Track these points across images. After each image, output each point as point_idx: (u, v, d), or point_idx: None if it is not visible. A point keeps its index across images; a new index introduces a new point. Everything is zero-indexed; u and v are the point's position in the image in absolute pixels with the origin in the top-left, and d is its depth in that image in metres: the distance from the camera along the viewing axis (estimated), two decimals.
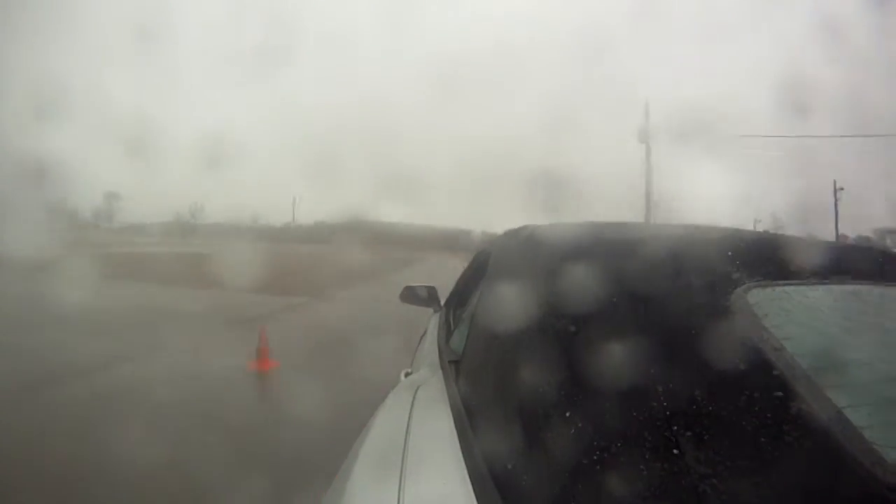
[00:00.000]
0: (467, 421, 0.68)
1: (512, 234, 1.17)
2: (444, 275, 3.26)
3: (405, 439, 0.69)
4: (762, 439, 0.45)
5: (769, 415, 0.46)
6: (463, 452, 0.61)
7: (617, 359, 0.55)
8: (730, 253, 0.69)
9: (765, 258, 0.70)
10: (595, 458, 0.48)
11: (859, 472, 0.41)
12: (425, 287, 2.35)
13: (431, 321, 1.98)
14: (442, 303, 2.07)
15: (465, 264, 1.83)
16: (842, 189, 17.06)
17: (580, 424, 0.52)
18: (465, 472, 0.57)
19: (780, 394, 0.47)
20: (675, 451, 0.46)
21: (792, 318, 0.58)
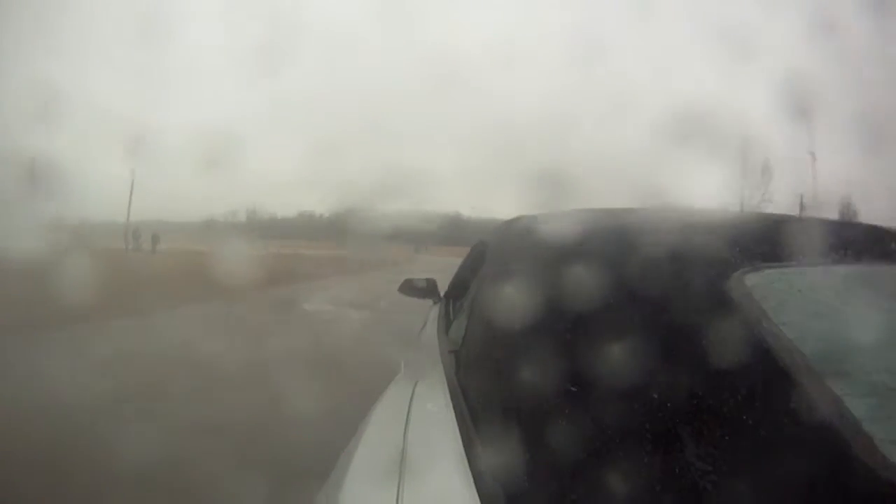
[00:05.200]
0: (467, 412, 0.67)
1: (509, 225, 1.16)
2: None
3: (405, 431, 0.69)
4: (761, 429, 0.44)
5: (768, 404, 0.46)
6: (463, 444, 0.61)
7: (615, 347, 0.54)
8: (727, 236, 0.68)
9: (763, 240, 0.69)
10: (596, 450, 0.48)
11: (859, 466, 0.40)
12: (424, 279, 2.36)
13: (431, 313, 1.98)
14: (442, 295, 2.07)
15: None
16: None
17: (581, 416, 0.52)
18: (466, 464, 0.57)
19: (778, 382, 0.47)
20: (673, 440, 0.45)
21: (792, 302, 0.57)
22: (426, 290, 2.31)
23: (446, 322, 1.47)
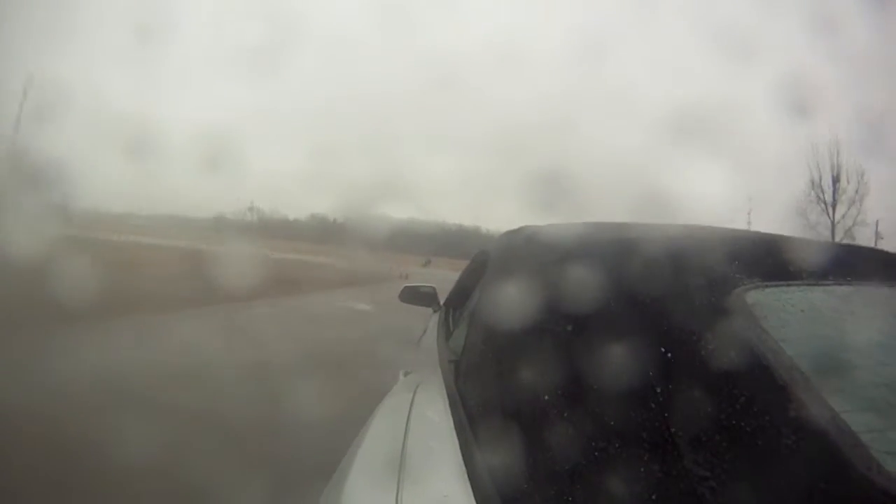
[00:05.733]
0: (466, 421, 0.68)
1: (511, 235, 1.17)
2: None
3: (404, 439, 0.69)
4: (760, 443, 0.44)
5: (767, 418, 0.46)
6: (462, 453, 0.61)
7: (615, 360, 0.55)
8: (729, 253, 0.68)
9: (764, 258, 0.70)
10: (594, 458, 0.48)
11: (857, 478, 0.40)
12: (425, 286, 2.38)
13: (431, 321, 1.99)
14: (441, 302, 2.07)
15: None
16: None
17: (579, 425, 0.52)
18: (465, 472, 0.57)
19: (778, 397, 0.47)
20: (672, 453, 0.45)
21: (791, 320, 0.58)
22: (426, 297, 2.33)
23: (446, 331, 1.48)
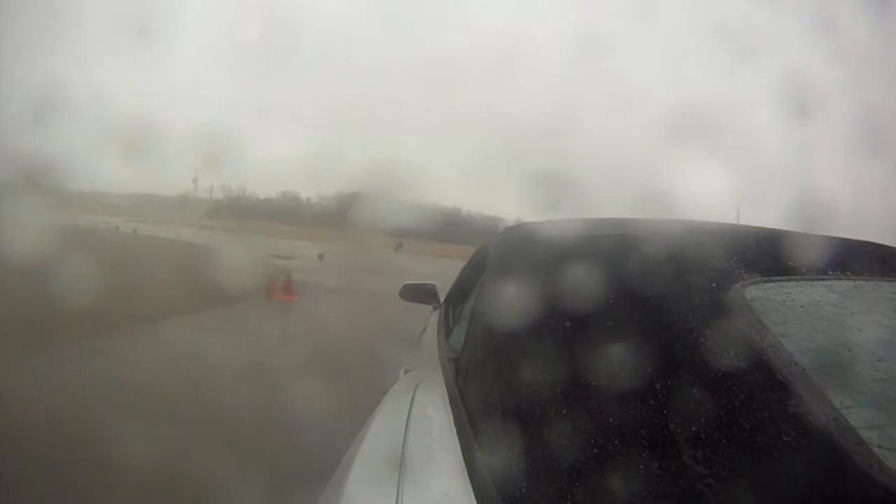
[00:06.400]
0: (467, 419, 0.68)
1: (510, 231, 1.17)
2: None
3: (404, 437, 0.69)
4: (759, 438, 0.44)
5: (767, 414, 0.46)
6: (462, 451, 0.61)
7: (615, 355, 0.55)
8: (728, 248, 0.69)
9: (763, 253, 0.70)
10: (594, 456, 0.48)
11: (857, 474, 0.40)
12: (425, 284, 2.37)
13: (431, 318, 1.99)
14: (441, 300, 2.07)
15: None
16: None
17: (580, 422, 0.52)
18: (465, 470, 0.57)
19: (778, 392, 0.47)
20: (672, 449, 0.45)
21: (791, 315, 0.58)
22: (426, 295, 2.32)
23: (446, 328, 1.47)
